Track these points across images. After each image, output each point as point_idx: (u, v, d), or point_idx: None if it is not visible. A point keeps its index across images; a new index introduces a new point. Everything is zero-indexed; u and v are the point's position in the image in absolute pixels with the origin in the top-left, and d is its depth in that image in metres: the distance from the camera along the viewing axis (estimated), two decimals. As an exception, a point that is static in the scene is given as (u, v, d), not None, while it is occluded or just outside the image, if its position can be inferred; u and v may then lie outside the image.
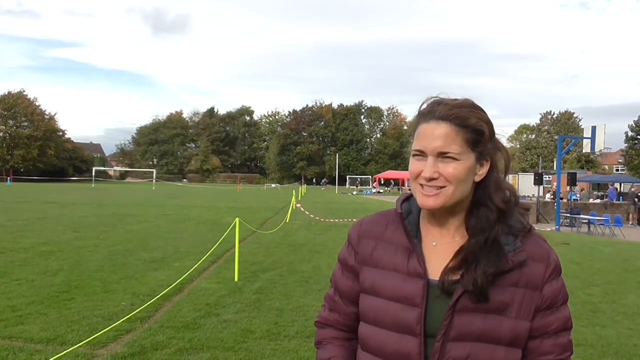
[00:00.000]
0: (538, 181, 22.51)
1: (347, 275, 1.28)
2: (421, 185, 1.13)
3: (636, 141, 60.07)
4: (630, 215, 21.74)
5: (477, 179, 1.15)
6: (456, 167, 1.11)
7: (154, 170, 71.10)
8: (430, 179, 1.11)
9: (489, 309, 1.11)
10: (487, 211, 1.15)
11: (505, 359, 1.12)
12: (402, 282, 1.16)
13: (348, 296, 1.28)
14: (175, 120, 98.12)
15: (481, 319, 1.10)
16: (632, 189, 25.69)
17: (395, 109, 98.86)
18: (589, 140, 18.77)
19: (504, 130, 1.22)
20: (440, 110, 1.13)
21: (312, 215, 18.41)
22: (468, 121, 1.12)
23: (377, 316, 1.18)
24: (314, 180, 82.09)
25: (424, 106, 1.17)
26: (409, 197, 1.27)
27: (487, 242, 1.13)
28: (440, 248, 1.18)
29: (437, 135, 1.11)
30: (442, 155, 1.11)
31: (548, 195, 26.56)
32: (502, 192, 1.16)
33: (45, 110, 70.54)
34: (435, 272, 1.15)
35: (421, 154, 1.14)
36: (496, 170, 1.17)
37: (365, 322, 1.22)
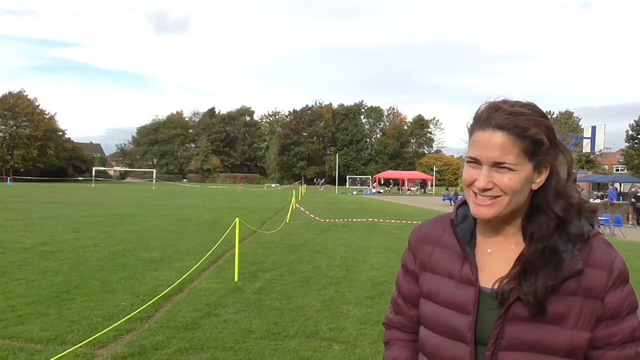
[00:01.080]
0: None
1: (408, 279, 1.29)
2: (475, 193, 1.10)
3: (636, 141, 60.08)
4: (630, 215, 21.74)
5: (535, 187, 1.10)
6: (512, 178, 1.06)
7: (154, 170, 71.09)
8: (485, 190, 1.08)
9: (543, 319, 1.07)
10: (546, 219, 1.10)
11: None
12: (455, 289, 1.15)
13: (410, 299, 1.29)
14: (175, 120, 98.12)
15: (534, 328, 1.07)
16: (632, 189, 25.69)
17: (395, 109, 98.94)
18: (589, 140, 18.79)
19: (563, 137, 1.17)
20: (497, 117, 1.07)
21: (312, 215, 18.41)
22: (527, 132, 1.06)
23: (433, 321, 1.19)
24: (314, 180, 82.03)
25: (481, 110, 1.11)
26: (466, 202, 1.22)
27: (545, 251, 1.08)
28: (495, 255, 1.16)
29: (493, 144, 1.06)
30: (497, 165, 1.06)
31: None
32: (563, 199, 1.10)
33: (45, 110, 70.55)
34: (488, 279, 1.13)
35: (476, 161, 1.09)
36: (557, 177, 1.11)
37: (424, 327, 1.23)
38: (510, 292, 1.09)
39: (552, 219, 1.09)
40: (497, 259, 1.15)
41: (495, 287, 1.11)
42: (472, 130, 1.12)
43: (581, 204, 1.12)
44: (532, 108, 1.10)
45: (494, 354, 1.09)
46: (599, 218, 18.33)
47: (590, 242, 1.11)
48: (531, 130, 1.06)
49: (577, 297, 1.08)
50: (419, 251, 1.26)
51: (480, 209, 1.09)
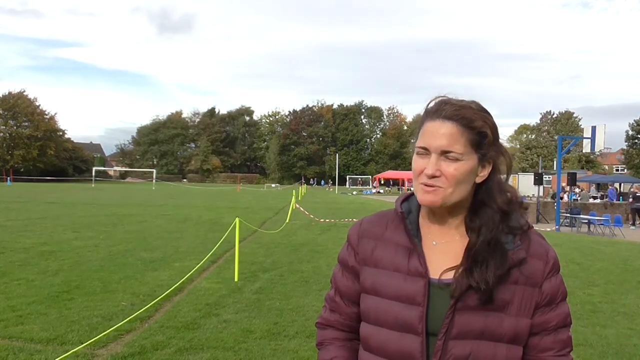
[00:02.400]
0: (538, 181, 22.53)
1: (347, 276, 1.29)
2: (424, 184, 1.15)
3: (636, 140, 60.07)
4: (629, 216, 21.74)
5: (478, 180, 1.17)
6: (457, 168, 1.12)
7: (154, 170, 71.09)
8: (432, 177, 1.13)
9: (490, 307, 1.12)
10: (492, 212, 1.16)
11: (506, 356, 1.13)
12: (403, 282, 1.17)
13: (349, 297, 1.29)
14: (175, 120, 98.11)
15: (482, 317, 1.12)
16: (632, 189, 25.69)
17: (395, 109, 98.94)
18: (589, 140, 18.78)
19: (502, 133, 1.24)
20: (447, 109, 1.14)
21: (312, 216, 18.41)
22: (474, 123, 1.13)
23: (378, 316, 1.19)
24: (311, 181, 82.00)
25: (431, 104, 1.18)
26: (409, 197, 1.28)
27: (491, 242, 1.14)
28: (440, 247, 1.20)
29: (442, 133, 1.12)
30: (445, 154, 1.12)
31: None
32: (505, 195, 1.18)
33: (45, 110, 70.56)
34: (435, 271, 1.16)
35: (425, 151, 1.15)
36: (498, 173, 1.19)
37: (367, 322, 1.23)
38: (458, 284, 1.12)
39: (497, 213, 1.16)
40: (442, 251, 1.19)
41: (445, 277, 1.15)
42: (422, 122, 1.18)
43: (519, 201, 1.21)
44: (477, 105, 1.18)
45: (445, 343, 1.12)
46: (599, 218, 18.35)
47: (527, 235, 1.19)
48: (477, 123, 1.14)
49: (519, 285, 1.15)
50: (361, 246, 1.26)
51: (426, 195, 1.14)
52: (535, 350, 1.18)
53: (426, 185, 1.14)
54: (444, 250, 1.19)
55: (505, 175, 1.20)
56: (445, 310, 1.13)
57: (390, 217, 1.27)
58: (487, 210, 1.17)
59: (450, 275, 1.14)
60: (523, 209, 1.21)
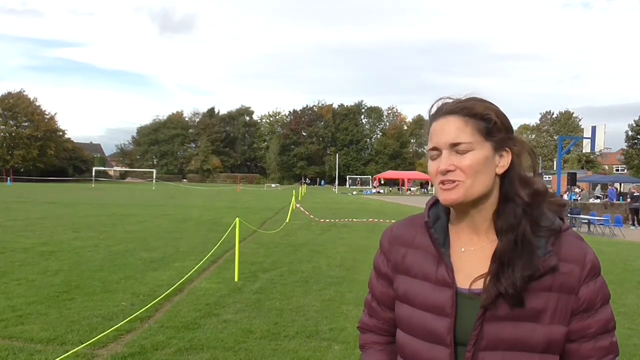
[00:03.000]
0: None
1: (382, 282, 1.28)
2: (441, 182, 1.12)
3: (636, 141, 60.08)
4: (629, 215, 21.74)
5: (499, 170, 1.13)
6: (471, 158, 1.09)
7: (154, 170, 71.09)
8: (447, 172, 1.10)
9: (520, 316, 1.08)
10: (513, 206, 1.11)
11: None
12: (431, 291, 1.15)
13: (384, 302, 1.28)
14: (175, 120, 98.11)
15: (513, 326, 1.08)
16: (630, 189, 25.71)
17: (395, 109, 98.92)
18: (589, 140, 18.79)
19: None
20: (447, 106, 1.14)
21: (312, 216, 18.41)
22: (475, 110, 1.12)
23: (410, 325, 1.18)
24: (307, 180, 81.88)
25: (433, 107, 1.18)
26: (437, 202, 1.24)
27: (517, 242, 1.09)
28: (469, 254, 1.16)
29: (447, 129, 1.12)
30: (455, 146, 1.10)
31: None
32: (528, 186, 1.13)
33: (45, 110, 70.58)
34: (464, 280, 1.13)
35: (436, 151, 1.13)
36: (520, 164, 1.14)
37: (401, 330, 1.22)
38: (487, 293, 1.09)
39: (519, 206, 1.11)
40: (471, 258, 1.15)
41: (475, 286, 1.11)
42: (428, 127, 1.17)
43: (546, 193, 1.14)
44: (479, 98, 1.16)
45: (474, 354, 1.09)
46: (599, 218, 18.35)
47: (562, 237, 1.12)
48: (479, 109, 1.12)
49: (552, 292, 1.09)
50: (392, 253, 1.25)
51: (446, 193, 1.11)
52: (574, 357, 1.13)
53: (443, 182, 1.11)
54: (473, 257, 1.15)
55: (530, 167, 1.16)
56: (474, 320, 1.10)
57: (420, 222, 1.23)
58: (510, 204, 1.12)
59: (480, 284, 1.11)
60: (558, 206, 1.16)
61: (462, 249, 1.17)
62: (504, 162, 1.13)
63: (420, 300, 1.16)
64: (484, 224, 1.16)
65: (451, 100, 1.16)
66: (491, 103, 1.16)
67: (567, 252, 1.11)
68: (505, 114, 1.16)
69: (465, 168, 1.09)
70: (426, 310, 1.15)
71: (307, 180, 74.69)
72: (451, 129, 1.11)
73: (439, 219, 1.21)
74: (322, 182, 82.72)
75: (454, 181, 1.10)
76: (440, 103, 1.17)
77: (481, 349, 1.09)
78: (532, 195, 1.12)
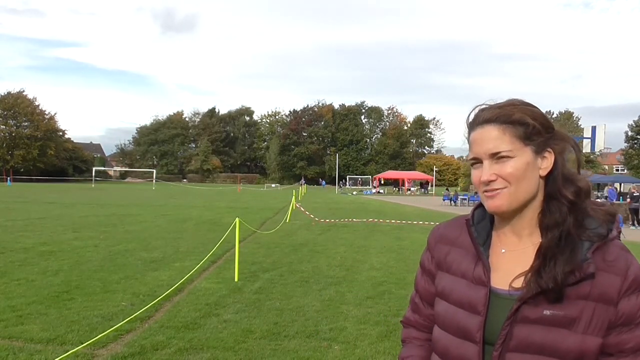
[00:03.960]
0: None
1: (425, 279, 1.32)
2: (485, 191, 1.13)
3: (636, 141, 60.06)
4: (629, 215, 21.73)
5: (542, 173, 1.12)
6: (513, 165, 1.09)
7: (154, 170, 71.09)
8: (489, 182, 1.11)
9: (552, 321, 1.07)
10: (558, 204, 1.12)
11: None
12: (467, 289, 1.17)
13: (426, 299, 1.31)
14: (175, 120, 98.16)
15: (543, 331, 1.07)
16: (630, 189, 25.71)
17: (395, 109, 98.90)
18: (589, 140, 18.79)
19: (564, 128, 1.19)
20: (483, 115, 1.14)
21: (312, 216, 18.41)
22: (512, 117, 1.11)
23: (445, 320, 1.21)
24: (302, 180, 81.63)
25: (470, 115, 1.18)
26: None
27: (561, 238, 1.09)
28: (509, 255, 1.17)
29: (485, 138, 1.12)
30: (495, 156, 1.10)
31: None
32: (572, 184, 1.12)
33: (45, 110, 70.56)
34: (501, 280, 1.14)
35: (477, 161, 1.14)
36: (563, 162, 1.13)
37: (437, 326, 1.25)
38: (529, 289, 1.09)
39: (564, 204, 1.11)
40: (511, 259, 1.16)
41: (513, 287, 1.11)
42: (468, 136, 1.18)
43: (590, 190, 1.14)
44: (515, 100, 1.16)
45: (502, 354, 1.10)
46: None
47: (606, 246, 1.10)
48: (515, 116, 1.11)
49: (589, 301, 1.07)
50: (436, 251, 1.28)
51: (490, 201, 1.12)
52: None
53: (487, 191, 1.12)
54: (513, 258, 1.15)
55: (575, 165, 1.15)
56: (504, 320, 1.10)
57: (464, 222, 1.26)
58: (554, 203, 1.12)
59: (518, 283, 1.11)
60: (608, 215, 1.13)
61: (503, 250, 1.18)
62: (546, 163, 1.12)
63: (456, 296, 1.18)
64: (527, 228, 1.16)
65: (486, 107, 1.16)
66: (529, 105, 1.15)
67: (609, 262, 1.09)
68: (544, 113, 1.15)
69: (508, 176, 1.09)
70: (460, 307, 1.17)
71: (302, 181, 74.28)
72: (490, 139, 1.11)
73: (484, 220, 1.23)
74: (324, 182, 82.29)
75: (497, 189, 1.11)
76: (477, 111, 1.17)
77: (509, 349, 1.09)
78: (575, 193, 1.11)
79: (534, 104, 1.16)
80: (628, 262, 1.09)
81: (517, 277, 1.12)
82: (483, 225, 1.22)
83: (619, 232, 1.14)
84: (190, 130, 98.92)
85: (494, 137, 1.10)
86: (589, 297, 1.07)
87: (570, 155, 1.15)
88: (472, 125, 1.16)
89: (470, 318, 1.14)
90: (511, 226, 1.17)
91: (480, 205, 1.24)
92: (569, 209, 1.11)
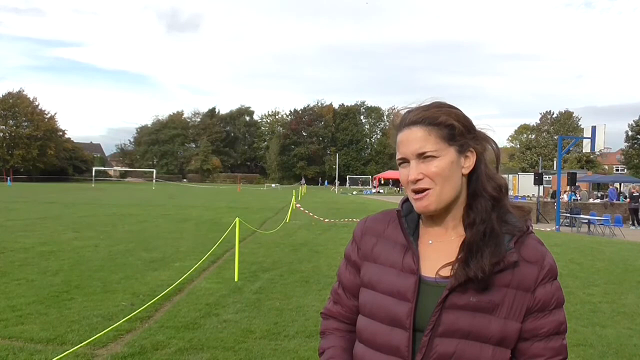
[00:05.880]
0: (538, 181, 22.53)
1: (350, 270, 1.34)
2: (413, 191, 1.18)
3: (636, 141, 60.07)
4: (629, 215, 21.75)
5: (465, 171, 1.19)
6: (437, 165, 1.15)
7: (154, 170, 71.11)
8: (416, 180, 1.16)
9: (478, 307, 1.13)
10: (483, 201, 1.19)
11: (492, 358, 1.14)
12: (396, 278, 1.20)
13: (350, 290, 1.33)
14: (176, 120, 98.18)
15: (469, 316, 1.13)
16: (630, 189, 25.73)
17: (395, 109, 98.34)
18: (589, 140, 18.79)
19: (488, 124, 1.25)
20: (409, 117, 1.20)
21: (312, 215, 18.41)
22: (437, 119, 1.17)
23: (372, 309, 1.23)
24: (302, 181, 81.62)
25: (396, 119, 1.25)
26: None
27: (485, 233, 1.16)
28: (436, 246, 1.22)
29: (412, 139, 1.17)
30: (422, 156, 1.16)
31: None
32: (493, 181, 1.20)
33: (45, 110, 70.62)
34: (429, 269, 1.19)
35: (404, 160, 1.19)
36: (484, 161, 1.21)
37: (363, 315, 1.27)
38: (457, 277, 1.14)
39: (488, 200, 1.19)
40: (437, 249, 1.21)
41: (440, 275, 1.16)
42: (395, 137, 1.23)
43: (507, 186, 1.23)
44: (440, 103, 1.22)
45: (431, 339, 1.14)
46: (599, 218, 18.36)
47: (525, 239, 1.19)
48: (441, 118, 1.17)
49: (510, 288, 1.15)
50: (363, 243, 1.31)
51: (418, 203, 1.18)
52: (525, 355, 1.18)
53: (415, 192, 1.18)
54: (440, 249, 1.21)
55: (494, 163, 1.23)
56: (433, 307, 1.15)
57: (393, 215, 1.31)
58: (480, 200, 1.19)
59: (445, 272, 1.16)
60: (524, 212, 1.22)
61: (430, 241, 1.23)
62: (468, 162, 1.20)
63: (384, 285, 1.21)
64: (452, 221, 1.23)
65: (413, 110, 1.21)
66: (452, 107, 1.21)
67: (528, 253, 1.18)
68: (467, 115, 1.22)
69: (433, 175, 1.16)
70: (389, 295, 1.20)
71: (302, 181, 74.00)
72: (416, 139, 1.17)
73: (411, 212, 1.28)
74: (326, 182, 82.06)
75: (424, 189, 1.16)
76: (403, 113, 1.23)
77: (437, 335, 1.14)
78: (497, 189, 1.20)
79: (455, 105, 1.23)
80: (543, 253, 1.19)
81: (444, 266, 1.17)
82: (412, 217, 1.27)
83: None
84: (191, 130, 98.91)
85: (420, 138, 1.16)
86: (510, 285, 1.15)
87: (490, 155, 1.23)
88: (399, 127, 1.21)
89: (400, 305, 1.17)
90: (437, 220, 1.23)
91: (408, 199, 1.29)
92: (492, 205, 1.19)
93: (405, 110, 1.23)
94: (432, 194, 1.16)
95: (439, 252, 1.21)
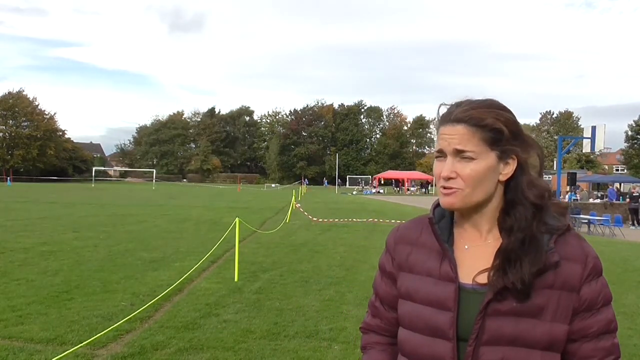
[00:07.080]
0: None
1: (386, 281, 1.30)
2: (442, 187, 1.15)
3: (636, 141, 60.08)
4: (629, 215, 21.74)
5: (502, 178, 1.15)
6: (473, 168, 1.11)
7: (154, 170, 71.09)
8: (448, 178, 1.13)
9: (522, 312, 1.09)
10: (524, 210, 1.13)
11: None
12: (434, 286, 1.16)
13: (388, 302, 1.30)
14: (176, 120, 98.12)
15: (513, 322, 1.09)
16: (631, 189, 25.73)
17: (395, 109, 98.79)
18: (589, 140, 18.80)
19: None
20: (456, 112, 1.14)
21: (310, 216, 18.41)
22: (484, 121, 1.12)
23: (412, 320, 1.19)
24: (306, 181, 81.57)
25: (443, 110, 1.19)
26: None
27: (525, 240, 1.12)
28: (472, 251, 1.18)
29: (453, 136, 1.13)
30: (459, 154, 1.12)
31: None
32: (536, 189, 1.15)
33: (45, 110, 70.61)
34: (467, 275, 1.15)
35: (441, 154, 1.16)
36: (526, 168, 1.16)
37: (403, 327, 1.23)
38: (492, 286, 1.10)
39: (529, 209, 1.14)
40: (474, 254, 1.17)
41: (478, 281, 1.13)
42: (438, 128, 1.18)
43: (551, 194, 1.17)
44: (491, 103, 1.16)
45: (476, 349, 1.10)
46: (599, 218, 18.36)
47: (565, 237, 1.15)
48: (488, 120, 1.12)
49: (554, 290, 1.11)
50: (397, 252, 1.28)
51: (444, 198, 1.15)
52: (575, 357, 1.14)
53: (444, 187, 1.14)
54: (476, 254, 1.17)
55: (537, 170, 1.18)
56: (475, 315, 1.11)
57: (425, 222, 1.26)
58: (519, 208, 1.14)
59: (483, 278, 1.13)
60: (562, 208, 1.18)
61: (466, 246, 1.19)
62: (508, 169, 1.14)
63: (423, 295, 1.17)
64: (486, 225, 1.18)
65: (462, 105, 1.16)
66: (503, 110, 1.16)
67: (570, 251, 1.13)
68: (517, 120, 1.16)
69: (466, 177, 1.12)
70: (428, 305, 1.16)
71: (306, 181, 73.93)
72: (457, 137, 1.12)
73: (444, 218, 1.24)
74: (327, 182, 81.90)
75: (453, 188, 1.13)
76: (451, 106, 1.18)
77: (482, 343, 1.10)
78: (539, 196, 1.14)
79: (508, 107, 1.17)
80: (586, 250, 1.15)
81: (481, 272, 1.13)
82: (445, 222, 1.23)
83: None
84: (191, 130, 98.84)
85: (462, 137, 1.12)
86: (553, 286, 1.11)
87: (534, 161, 1.17)
88: (444, 121, 1.16)
89: (440, 315, 1.13)
90: (471, 222, 1.19)
91: (440, 204, 1.25)
92: (534, 212, 1.13)
93: (454, 104, 1.18)
94: (460, 194, 1.12)
95: (476, 257, 1.17)
